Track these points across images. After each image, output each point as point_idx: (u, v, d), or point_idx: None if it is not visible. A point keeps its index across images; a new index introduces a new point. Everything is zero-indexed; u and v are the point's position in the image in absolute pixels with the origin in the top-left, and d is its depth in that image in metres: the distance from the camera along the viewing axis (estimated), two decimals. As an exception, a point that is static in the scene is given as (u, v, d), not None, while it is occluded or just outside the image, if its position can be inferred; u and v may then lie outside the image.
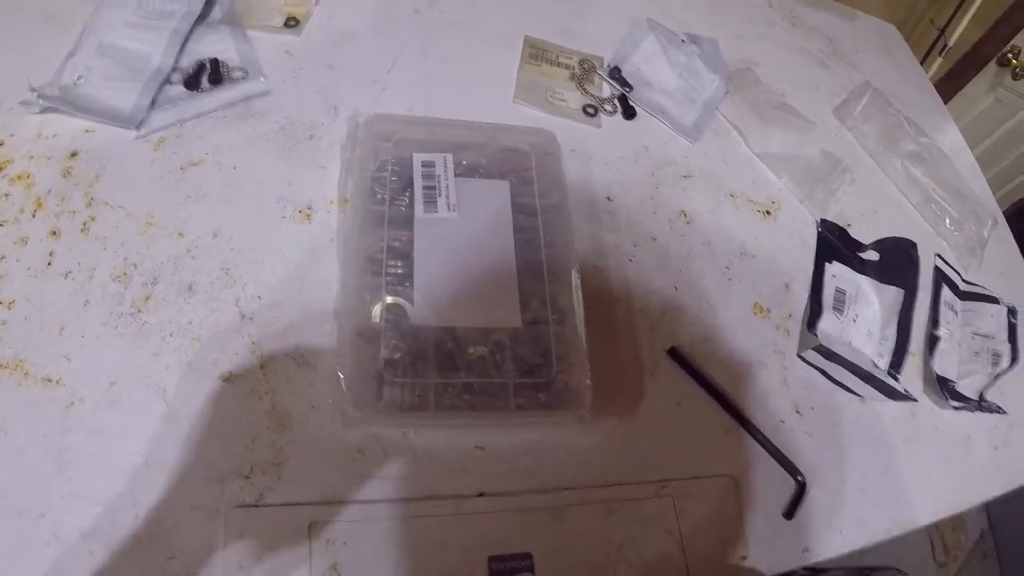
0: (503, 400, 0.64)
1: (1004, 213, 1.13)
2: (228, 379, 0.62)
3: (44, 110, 0.75)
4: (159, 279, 0.67)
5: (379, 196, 0.71)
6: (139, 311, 0.65)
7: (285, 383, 0.63)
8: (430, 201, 0.70)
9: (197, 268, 0.68)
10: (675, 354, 0.74)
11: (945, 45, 1.57)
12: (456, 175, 0.73)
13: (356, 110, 0.82)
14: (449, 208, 0.70)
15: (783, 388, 0.78)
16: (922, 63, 1.49)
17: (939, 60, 1.59)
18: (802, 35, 1.18)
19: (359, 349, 0.62)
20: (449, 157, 0.73)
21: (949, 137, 1.19)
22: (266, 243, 0.71)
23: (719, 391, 0.74)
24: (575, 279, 0.70)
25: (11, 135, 0.73)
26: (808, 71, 1.12)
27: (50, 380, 0.60)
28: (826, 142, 1.01)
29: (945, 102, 1.33)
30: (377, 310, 0.64)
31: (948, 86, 1.78)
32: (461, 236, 0.70)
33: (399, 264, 0.67)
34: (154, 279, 0.67)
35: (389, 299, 0.65)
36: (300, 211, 0.73)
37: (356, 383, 0.61)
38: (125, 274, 0.66)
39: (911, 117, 1.10)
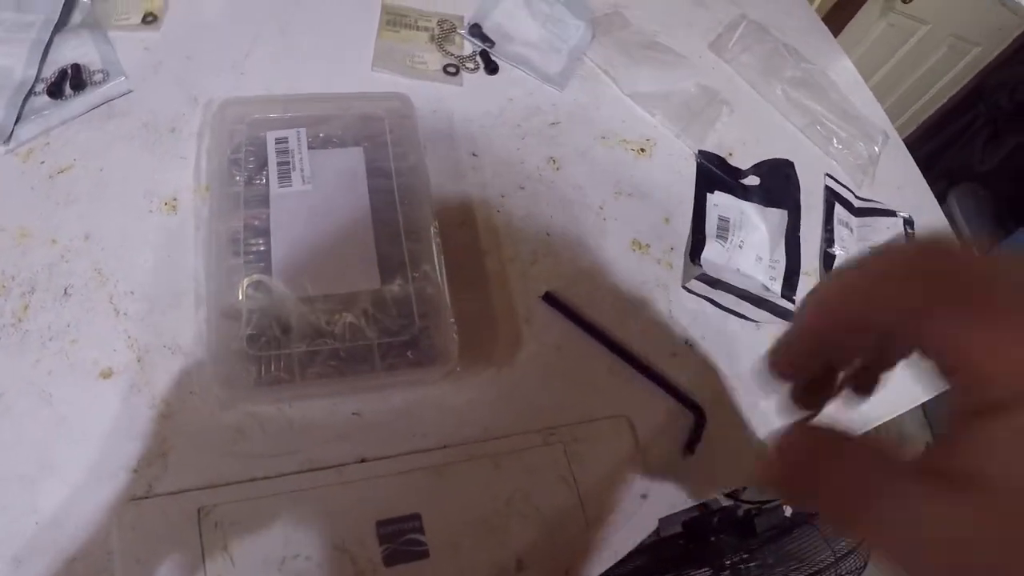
0: (370, 362, 0.64)
1: (910, 137, 1.14)
2: (108, 376, 0.63)
3: None
4: (36, 287, 0.67)
5: (236, 178, 0.71)
6: (19, 320, 0.65)
7: (162, 373, 0.63)
8: (284, 176, 0.71)
9: (71, 272, 0.68)
10: (550, 299, 0.74)
11: (832, -28, 1.58)
12: (311, 148, 0.73)
13: (215, 97, 0.81)
14: (304, 181, 0.70)
15: (670, 321, 0.78)
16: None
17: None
18: (673, -28, 1.18)
19: (224, 330, 0.62)
20: (303, 131, 0.73)
21: (841, 67, 1.20)
22: (135, 239, 0.71)
23: (601, 331, 0.74)
24: (434, 235, 0.69)
25: None
26: (682, 10, 1.12)
27: None
28: (702, 77, 1.01)
29: (836, 34, 1.33)
30: (239, 289, 0.64)
31: (838, 17, 1.79)
32: (317, 207, 0.70)
33: (260, 242, 0.67)
34: (31, 288, 0.67)
35: (250, 277, 0.65)
36: (166, 203, 0.74)
37: (223, 364, 0.61)
38: (3, 286, 0.66)
39: (792, 44, 1.10)
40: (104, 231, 0.71)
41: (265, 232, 0.68)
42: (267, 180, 0.71)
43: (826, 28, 1.31)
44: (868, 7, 1.81)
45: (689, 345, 0.77)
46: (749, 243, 0.87)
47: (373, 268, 0.67)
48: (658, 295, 0.80)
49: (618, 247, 0.81)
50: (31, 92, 0.81)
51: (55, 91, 0.81)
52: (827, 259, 0.91)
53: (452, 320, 0.66)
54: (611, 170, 0.86)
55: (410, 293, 0.67)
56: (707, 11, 1.14)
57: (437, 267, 0.68)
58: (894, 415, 0.81)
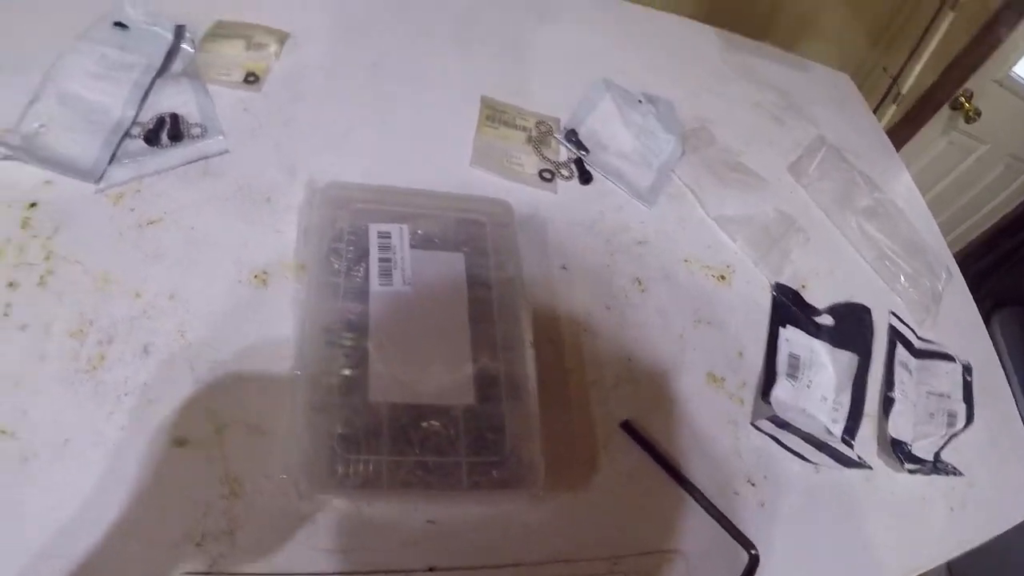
0: (456, 478, 0.63)
1: (960, 253, 1.15)
2: (182, 443, 0.62)
3: (5, 157, 0.75)
4: (115, 338, 0.66)
5: (335, 266, 0.70)
6: (95, 369, 0.64)
7: (239, 450, 0.62)
8: (385, 274, 0.70)
9: (153, 329, 0.67)
10: (628, 427, 0.74)
11: (898, 92, 1.60)
12: (412, 246, 0.73)
13: (313, 174, 0.81)
14: (404, 281, 0.70)
15: (736, 458, 0.78)
16: (875, 111, 1.52)
17: (893, 108, 1.62)
18: (756, 89, 1.20)
19: (314, 422, 0.62)
20: (405, 228, 0.73)
21: (902, 183, 1.21)
22: (222, 307, 0.70)
23: (671, 464, 0.74)
24: (529, 354, 0.70)
25: None
26: (763, 127, 1.13)
27: (4, 432, 0.59)
28: (781, 201, 1.02)
29: (898, 148, 1.35)
30: (332, 383, 0.64)
31: (902, 132, 1.81)
32: (416, 310, 0.69)
33: (354, 337, 0.67)
34: (110, 338, 0.66)
35: (344, 372, 0.65)
36: (256, 276, 0.73)
37: (310, 457, 0.60)
38: (81, 331, 0.65)
39: (865, 171, 1.11)
40: (190, 293, 0.70)
41: (360, 328, 0.67)
42: (366, 273, 0.71)
43: (891, 145, 1.32)
44: (931, 125, 1.83)
45: (752, 484, 0.77)
46: (816, 383, 0.87)
47: (468, 382, 0.67)
48: (727, 431, 0.79)
49: (695, 379, 0.81)
50: (127, 134, 0.81)
51: (152, 138, 0.81)
52: (886, 403, 0.91)
53: (540, 444, 0.66)
54: (692, 296, 0.87)
55: (503, 413, 0.66)
56: (786, 130, 1.16)
57: (531, 387, 0.68)
58: (918, 572, 0.80)
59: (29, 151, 0.76)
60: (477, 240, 0.75)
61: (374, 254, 0.72)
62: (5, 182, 0.73)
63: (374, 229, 0.73)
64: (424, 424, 0.64)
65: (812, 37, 1.51)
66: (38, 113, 0.80)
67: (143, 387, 0.63)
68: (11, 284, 0.67)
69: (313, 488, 0.60)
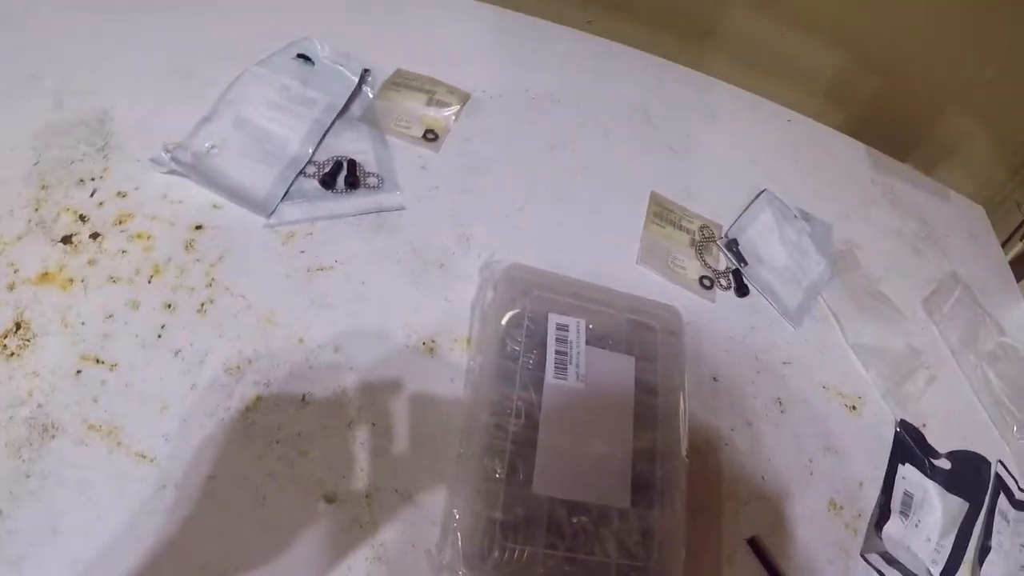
0: (602, 578, 0.65)
1: None
2: (332, 500, 0.62)
3: (172, 172, 0.76)
4: (272, 382, 0.66)
5: (510, 349, 0.73)
6: (248, 409, 0.64)
7: (388, 516, 0.62)
8: (561, 367, 0.73)
9: (314, 380, 0.67)
10: (754, 544, 0.77)
11: (1029, 230, 1.61)
12: (586, 343, 0.75)
13: (488, 247, 0.84)
14: (578, 378, 0.73)
15: None
16: (1003, 245, 1.52)
17: (1020, 244, 1.62)
18: (899, 216, 1.22)
19: (475, 504, 0.64)
20: (582, 323, 0.76)
21: (1020, 317, 1.21)
22: (387, 370, 0.70)
23: None
24: (683, 465, 0.73)
25: (135, 188, 0.75)
26: (902, 256, 1.15)
27: (144, 456, 0.60)
28: (913, 336, 1.04)
29: (1019, 280, 1.35)
30: (496, 468, 0.66)
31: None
32: (586, 408, 0.72)
33: (524, 425, 0.69)
34: (268, 381, 0.66)
35: (510, 459, 0.67)
36: (424, 343, 0.74)
37: (467, 537, 0.62)
38: (238, 367, 0.66)
39: (992, 312, 1.13)
40: (355, 349, 0.71)
41: (530, 417, 0.70)
42: (539, 362, 0.73)
43: (1014, 280, 1.32)
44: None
45: None
46: (924, 523, 0.89)
47: (626, 486, 0.70)
48: (839, 559, 0.81)
49: (817, 504, 0.83)
50: (302, 172, 0.82)
51: (328, 181, 0.82)
52: (982, 551, 0.92)
53: (683, 556, 0.68)
54: (825, 422, 0.89)
55: (653, 519, 0.69)
56: (923, 261, 1.18)
57: (682, 499, 0.71)
58: None
59: (199, 171, 0.77)
60: (647, 344, 0.78)
61: (551, 345, 0.74)
62: (171, 198, 0.75)
63: (553, 320, 0.76)
64: (575, 520, 0.67)
65: (952, 162, 1.52)
66: (211, 133, 0.81)
67: (296, 436, 0.64)
68: (168, 305, 0.69)
69: (466, 568, 0.61)
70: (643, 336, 0.79)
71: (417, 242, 0.82)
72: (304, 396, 0.66)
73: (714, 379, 0.85)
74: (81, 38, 0.91)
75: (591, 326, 0.77)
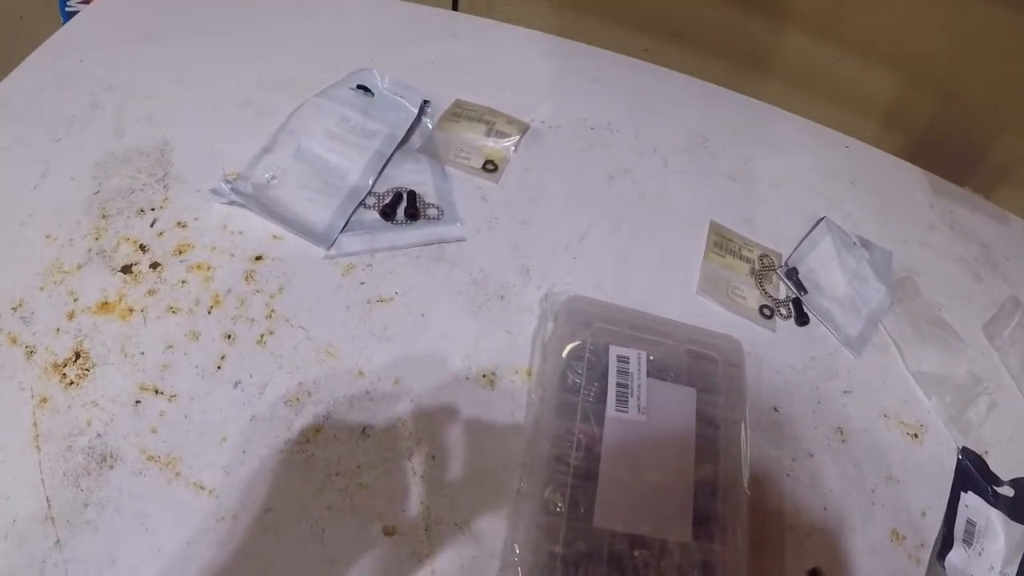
0: (661, 611, 0.65)
1: None
2: (391, 534, 0.62)
3: (232, 203, 0.77)
4: (332, 414, 0.67)
5: (571, 382, 0.73)
6: (307, 441, 0.65)
7: (447, 550, 0.62)
8: (622, 400, 0.73)
9: (374, 412, 0.68)
10: (815, 574, 0.76)
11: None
12: (647, 375, 0.75)
13: (548, 278, 0.84)
14: (639, 410, 0.73)
15: None
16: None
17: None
18: (960, 241, 1.20)
19: (535, 538, 0.64)
20: (643, 355, 0.76)
21: None
22: (447, 401, 0.71)
23: None
24: (744, 498, 0.72)
25: (195, 219, 0.77)
26: (963, 282, 1.13)
27: (203, 488, 0.61)
28: (974, 362, 1.02)
29: None
30: (557, 501, 0.66)
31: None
32: (647, 441, 0.72)
33: (585, 458, 0.69)
34: (327, 413, 0.67)
35: (571, 493, 0.67)
36: (484, 375, 0.75)
37: (527, 573, 0.62)
38: (298, 399, 0.67)
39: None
40: (416, 381, 0.71)
41: (591, 450, 0.70)
42: (600, 395, 0.73)
43: None
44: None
45: None
46: (987, 552, 0.88)
47: (687, 520, 0.69)
48: None
49: (879, 535, 0.82)
50: (362, 203, 0.82)
51: (388, 212, 0.82)
52: (1035, 580, 0.90)
53: (746, 591, 0.67)
54: (887, 452, 0.88)
55: (716, 554, 0.69)
56: (983, 286, 1.15)
57: (743, 532, 0.71)
58: None
59: (260, 202, 0.78)
60: (708, 376, 0.78)
61: (612, 378, 0.74)
62: (231, 228, 0.77)
63: (614, 352, 0.76)
64: (636, 553, 0.66)
65: (1012, 185, 1.50)
66: (271, 164, 0.82)
67: (355, 470, 0.64)
68: (228, 336, 0.70)
69: None
70: (704, 367, 0.79)
71: (477, 274, 0.83)
72: (364, 428, 0.67)
73: (775, 409, 0.85)
74: (143, 68, 0.94)
75: (652, 358, 0.77)
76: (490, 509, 0.65)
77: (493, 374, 0.74)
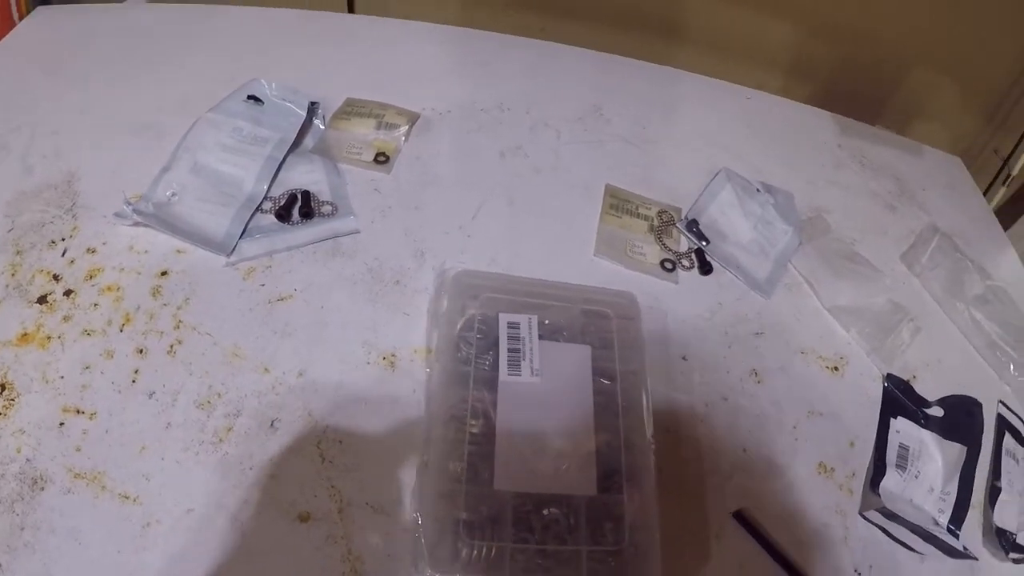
0: (575, 566, 0.64)
1: None
2: (306, 520, 0.62)
3: (136, 224, 0.77)
4: (242, 411, 0.67)
5: (463, 353, 0.71)
6: (221, 441, 0.65)
7: (362, 530, 0.62)
8: (514, 364, 0.71)
9: (281, 405, 0.68)
10: (741, 518, 0.74)
11: (1009, 175, 1.55)
12: (540, 337, 0.73)
13: (442, 258, 0.83)
14: (532, 372, 0.71)
15: (844, 548, 0.76)
16: (985, 193, 1.47)
17: (1003, 190, 1.57)
18: (871, 176, 1.18)
19: (439, 507, 0.63)
20: (534, 319, 0.74)
21: (1012, 269, 1.17)
22: (349, 388, 0.71)
23: (782, 554, 0.73)
24: (649, 448, 0.70)
25: (103, 243, 0.76)
26: (877, 215, 1.12)
27: (127, 497, 0.60)
28: (894, 291, 1.00)
29: (1007, 227, 1.31)
30: (458, 470, 0.65)
31: (1010, 211, 1.75)
32: (543, 401, 0.70)
33: (481, 425, 0.68)
34: (237, 411, 0.67)
35: (470, 459, 0.65)
36: (384, 358, 0.74)
37: (434, 542, 0.61)
38: (209, 402, 0.67)
39: (976, 259, 1.08)
40: (318, 372, 0.71)
41: (487, 416, 0.68)
42: (494, 362, 0.72)
43: (1000, 227, 1.28)
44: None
45: (858, 574, 0.75)
46: (924, 473, 0.85)
47: (591, 474, 0.67)
48: (836, 521, 0.77)
49: (806, 470, 0.80)
50: (258, 208, 0.82)
51: (283, 214, 0.82)
52: (992, 492, 0.88)
53: (658, 537, 0.66)
54: (806, 387, 0.86)
55: (623, 502, 0.67)
56: (899, 217, 1.14)
57: (650, 480, 0.68)
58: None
59: (161, 220, 0.78)
60: (603, 332, 0.76)
61: (503, 344, 0.73)
62: (137, 248, 0.76)
63: (504, 319, 0.74)
64: (545, 512, 0.65)
65: (924, 119, 1.48)
66: (170, 182, 0.82)
67: (268, 462, 0.64)
68: (140, 351, 0.70)
69: (434, 570, 0.60)
70: (598, 325, 0.77)
71: (373, 262, 0.82)
72: (272, 422, 0.67)
73: (683, 358, 0.83)
74: (47, 104, 0.94)
75: (546, 321, 0.75)
76: (400, 486, 0.65)
77: (393, 355, 0.74)
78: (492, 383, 0.70)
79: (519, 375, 0.71)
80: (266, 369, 0.70)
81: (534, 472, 0.67)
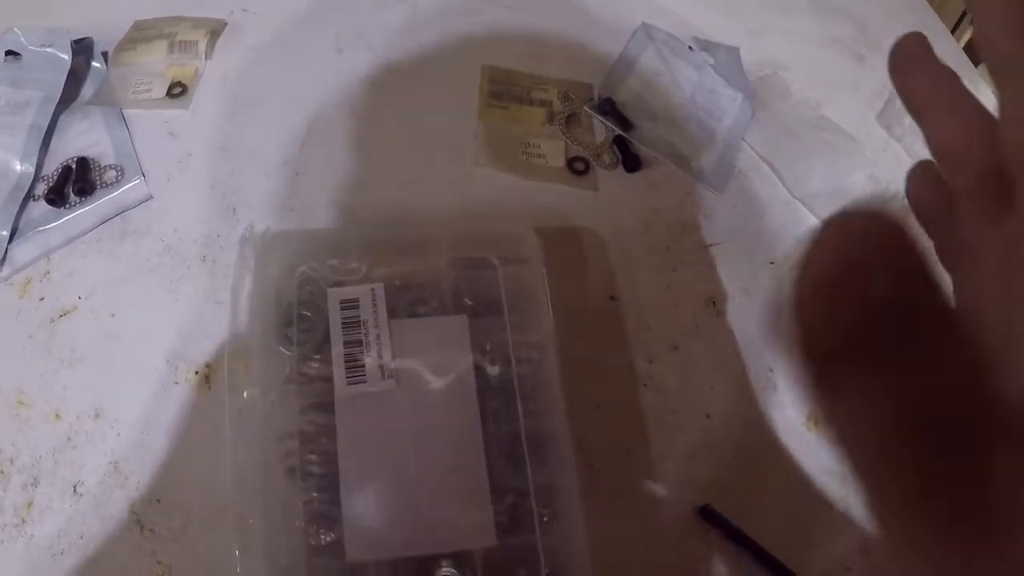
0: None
1: None
2: None
3: None
4: (39, 479, 0.51)
5: (287, 354, 0.48)
6: (23, 521, 0.50)
7: None
8: (354, 367, 0.47)
9: (80, 462, 0.51)
10: (707, 514, 0.53)
11: (973, 13, 1.32)
12: (393, 317, 0.49)
13: (262, 213, 0.62)
14: (384, 375, 0.47)
15: (844, 519, 0.56)
16: (953, 32, 1.24)
17: (972, 28, 1.34)
18: (829, 21, 0.94)
19: None
20: (379, 289, 0.49)
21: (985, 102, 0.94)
22: (158, 423, 0.52)
23: (767, 554, 0.52)
24: (569, 455, 0.48)
25: None
26: (843, 68, 0.88)
27: None
28: (875, 163, 0.77)
29: (976, 65, 1.10)
30: (294, 541, 0.43)
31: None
32: (403, 415, 0.47)
33: (319, 461, 0.45)
34: (34, 479, 0.51)
35: (311, 518, 0.44)
36: (196, 372, 0.54)
37: None
38: (2, 472, 0.51)
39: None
40: (118, 407, 0.53)
41: (326, 450, 0.46)
42: (329, 368, 0.48)
43: (972, 64, 1.06)
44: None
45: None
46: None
47: (487, 515, 0.45)
48: (832, 485, 0.56)
49: (789, 423, 0.58)
50: (29, 195, 0.62)
51: (55, 198, 0.62)
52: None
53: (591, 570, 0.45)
54: (782, 310, 0.61)
55: (537, 546, 0.45)
56: (870, 70, 0.90)
57: (574, 501, 0.46)
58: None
59: None
60: (485, 289, 0.52)
61: (336, 335, 0.48)
62: None
63: (335, 296, 0.50)
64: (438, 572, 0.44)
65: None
66: None
67: (79, 541, 0.49)
68: None
69: None
70: (478, 279, 0.52)
71: (171, 236, 0.61)
72: (75, 487, 0.51)
73: (612, 299, 0.60)
74: None
75: (397, 283, 0.51)
76: (230, 545, 0.47)
77: (208, 366, 0.55)
78: (328, 398, 0.47)
79: (363, 382, 0.47)
80: (57, 415, 0.53)
81: (404, 526, 0.45)
